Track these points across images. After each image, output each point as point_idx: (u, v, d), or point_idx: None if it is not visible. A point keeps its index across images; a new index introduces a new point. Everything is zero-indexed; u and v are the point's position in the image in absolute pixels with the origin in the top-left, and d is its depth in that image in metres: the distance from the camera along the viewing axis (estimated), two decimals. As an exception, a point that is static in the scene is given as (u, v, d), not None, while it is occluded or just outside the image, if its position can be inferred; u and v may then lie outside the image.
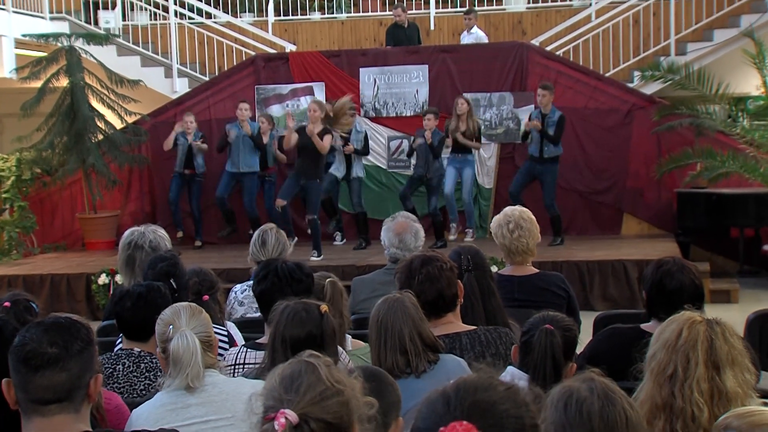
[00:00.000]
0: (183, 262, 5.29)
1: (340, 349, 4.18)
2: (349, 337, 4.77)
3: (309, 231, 12.48)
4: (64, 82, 14.09)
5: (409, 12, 15.47)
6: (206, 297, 5.21)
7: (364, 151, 13.11)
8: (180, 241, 13.36)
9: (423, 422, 1.87)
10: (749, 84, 14.30)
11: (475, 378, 1.93)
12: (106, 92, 14.22)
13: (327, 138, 11.98)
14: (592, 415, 2.37)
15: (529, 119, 12.78)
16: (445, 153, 13.07)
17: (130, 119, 14.40)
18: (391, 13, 15.72)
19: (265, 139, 13.49)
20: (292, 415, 2.14)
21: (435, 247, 11.45)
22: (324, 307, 3.65)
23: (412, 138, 13.11)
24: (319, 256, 12.16)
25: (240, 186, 13.47)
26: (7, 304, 4.16)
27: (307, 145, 11.94)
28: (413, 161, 13.16)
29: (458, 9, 16.52)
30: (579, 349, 4.21)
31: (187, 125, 13.60)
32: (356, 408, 2.26)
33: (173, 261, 5.16)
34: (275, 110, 14.32)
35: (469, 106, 12.95)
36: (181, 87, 16.02)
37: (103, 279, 11.61)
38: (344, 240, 13.61)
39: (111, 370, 4.31)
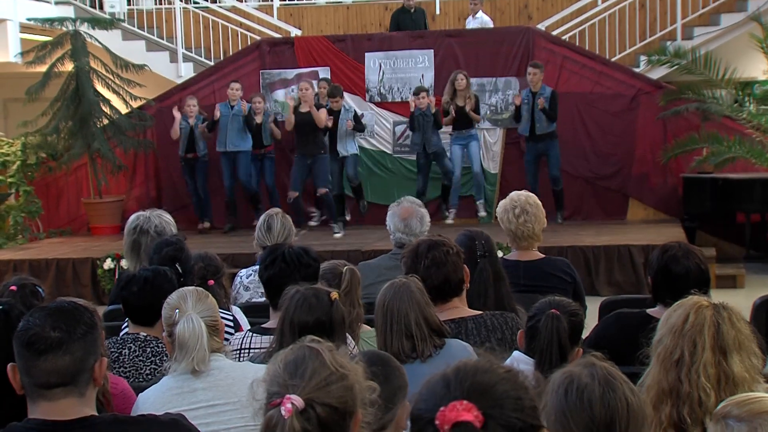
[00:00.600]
0: (188, 247, 5.29)
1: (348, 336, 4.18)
2: None
3: (325, 206, 12.90)
4: (69, 66, 14.09)
5: (415, -4, 15.43)
6: (212, 282, 5.21)
7: (361, 127, 13.27)
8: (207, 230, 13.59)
9: (423, 404, 1.88)
10: (756, 68, 14.26)
11: (474, 361, 1.94)
12: (111, 77, 14.21)
13: (323, 111, 12.57)
14: (593, 401, 2.36)
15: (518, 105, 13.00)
16: (447, 130, 13.33)
17: (135, 104, 14.40)
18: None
19: (260, 119, 13.49)
20: (298, 401, 2.14)
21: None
22: (334, 295, 3.64)
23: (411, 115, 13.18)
24: (339, 231, 12.64)
25: (235, 165, 13.48)
26: (13, 288, 4.16)
27: (304, 123, 12.48)
28: (414, 139, 13.21)
29: (464, -7, 16.48)
30: (585, 334, 4.21)
31: (190, 108, 13.58)
32: (360, 392, 2.27)
33: (179, 245, 5.16)
34: (280, 95, 14.32)
35: (467, 80, 13.02)
36: (186, 72, 16.01)
37: (108, 264, 11.62)
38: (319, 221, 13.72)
39: (117, 354, 4.32)
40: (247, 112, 13.30)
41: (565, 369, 2.49)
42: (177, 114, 13.58)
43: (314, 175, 12.70)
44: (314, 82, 13.60)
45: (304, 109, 12.57)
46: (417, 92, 13.04)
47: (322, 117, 12.52)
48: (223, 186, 13.64)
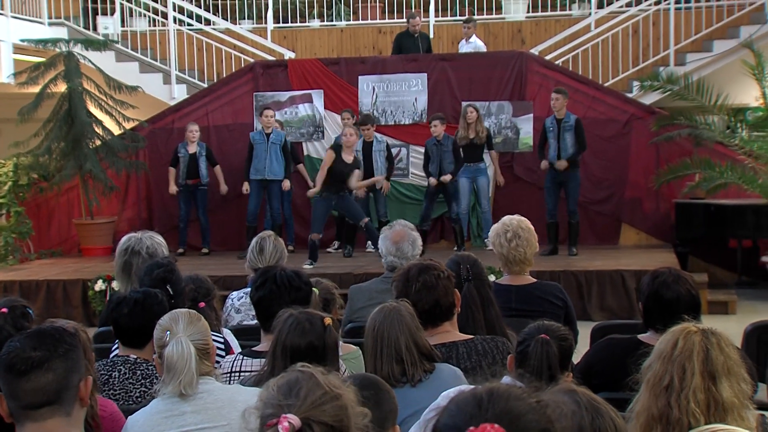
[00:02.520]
0: (179, 269, 5.28)
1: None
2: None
3: (367, 235, 12.57)
4: (62, 87, 14.09)
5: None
6: (203, 304, 5.20)
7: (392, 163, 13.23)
8: (180, 255, 13.48)
9: (450, 419, 1.88)
10: (748, 95, 14.32)
11: (507, 386, 1.94)
12: (104, 98, 14.22)
13: (357, 174, 12.02)
14: (583, 428, 2.36)
15: (544, 129, 12.76)
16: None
17: (128, 125, 14.41)
18: (389, 21, 15.80)
19: None
20: (295, 420, 2.14)
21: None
22: (328, 320, 3.63)
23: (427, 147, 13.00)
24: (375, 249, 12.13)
25: (267, 193, 13.38)
26: (3, 310, 4.15)
27: (341, 172, 11.85)
28: (431, 169, 12.90)
29: (458, 17, 16.54)
30: (576, 359, 4.20)
31: (192, 134, 13.59)
32: (353, 415, 2.27)
33: (170, 267, 5.14)
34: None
35: (478, 113, 12.97)
36: (179, 93, 16.02)
37: (99, 285, 11.58)
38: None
39: (107, 377, 4.29)
40: (283, 140, 13.29)
41: (547, 397, 2.48)
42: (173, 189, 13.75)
43: (346, 212, 12.26)
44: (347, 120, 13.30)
45: (347, 158, 11.90)
46: (429, 121, 12.99)
47: (359, 185, 12.19)
48: (228, 211, 13.60)
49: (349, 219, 12.54)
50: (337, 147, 12.05)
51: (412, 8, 16.82)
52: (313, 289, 4.60)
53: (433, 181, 12.85)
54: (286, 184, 13.24)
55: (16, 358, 2.78)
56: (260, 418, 2.22)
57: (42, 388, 2.77)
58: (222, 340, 5.00)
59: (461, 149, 12.94)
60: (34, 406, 2.77)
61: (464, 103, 13.37)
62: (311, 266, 11.86)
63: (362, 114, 13.25)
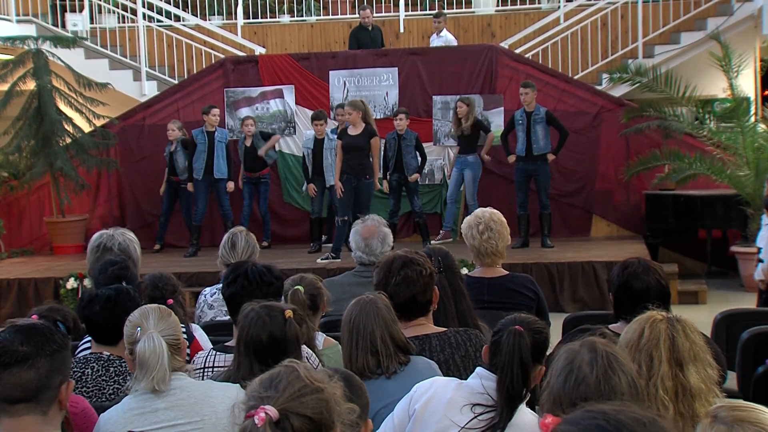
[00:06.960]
0: (133, 266, 5.31)
1: (308, 351, 4.17)
2: (321, 335, 4.78)
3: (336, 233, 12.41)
4: (31, 85, 14.00)
5: (378, 14, 15.54)
6: (171, 300, 5.20)
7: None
8: (156, 251, 13.43)
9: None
10: (716, 86, 14.42)
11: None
12: (74, 95, 14.13)
13: (375, 142, 11.82)
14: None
15: (512, 121, 12.83)
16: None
17: (99, 122, 14.32)
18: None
19: (249, 141, 13.47)
20: (272, 410, 2.16)
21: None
22: (288, 313, 3.64)
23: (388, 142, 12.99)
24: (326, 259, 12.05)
25: (214, 192, 13.36)
26: (34, 317, 4.15)
27: (352, 145, 11.72)
28: (390, 164, 12.91)
29: (428, 12, 16.56)
30: (548, 351, 4.22)
31: (171, 133, 13.53)
32: (337, 409, 2.28)
33: (123, 264, 5.17)
34: (244, 113, 14.28)
35: (468, 107, 12.82)
36: (149, 90, 15.95)
37: (71, 283, 11.54)
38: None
39: (80, 374, 4.28)
40: (225, 139, 13.30)
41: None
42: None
43: (357, 200, 11.89)
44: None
45: (352, 132, 11.73)
46: (395, 114, 12.97)
47: (376, 151, 11.92)
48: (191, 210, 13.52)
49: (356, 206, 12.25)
50: (342, 131, 11.98)
51: (382, 3, 16.84)
52: (298, 287, 4.60)
53: (385, 184, 12.92)
54: (230, 185, 13.26)
55: (2, 349, 2.79)
56: (244, 411, 2.25)
57: (21, 384, 2.77)
58: (184, 331, 5.00)
59: (458, 140, 12.94)
60: (10, 400, 2.78)
61: (455, 98, 13.23)
62: (332, 259, 11.89)
63: (318, 110, 13.27)
